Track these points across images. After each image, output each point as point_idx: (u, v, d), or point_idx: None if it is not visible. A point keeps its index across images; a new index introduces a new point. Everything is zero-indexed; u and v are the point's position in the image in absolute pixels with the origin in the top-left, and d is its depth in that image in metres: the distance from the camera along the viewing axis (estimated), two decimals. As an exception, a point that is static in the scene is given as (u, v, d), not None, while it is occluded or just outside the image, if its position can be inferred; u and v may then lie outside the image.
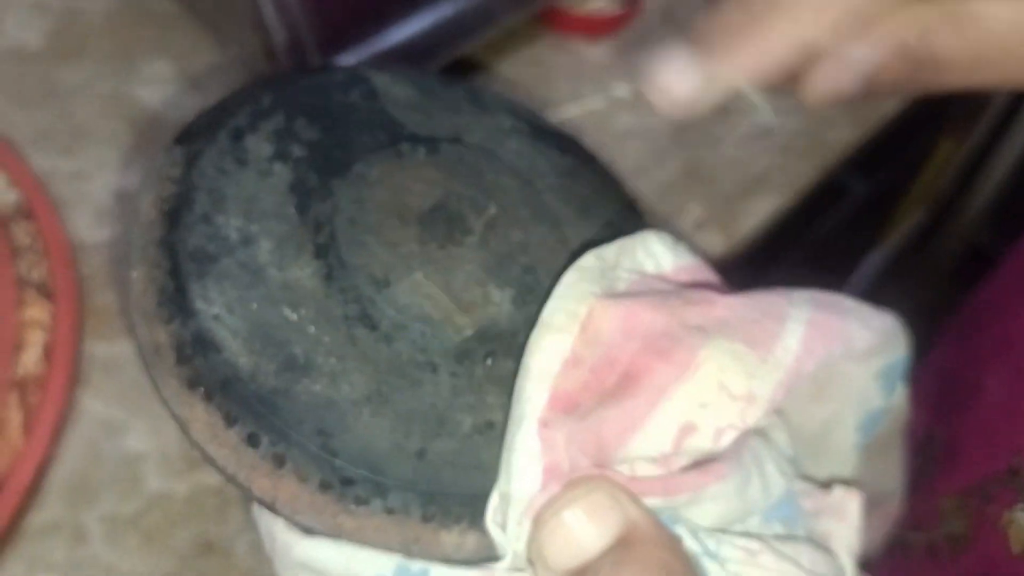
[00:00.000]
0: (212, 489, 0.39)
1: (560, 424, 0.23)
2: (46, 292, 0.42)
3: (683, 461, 0.24)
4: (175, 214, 0.26)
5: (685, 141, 0.54)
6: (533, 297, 0.28)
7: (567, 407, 0.23)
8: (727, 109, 0.55)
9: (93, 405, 0.41)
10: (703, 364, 0.24)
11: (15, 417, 0.38)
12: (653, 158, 0.52)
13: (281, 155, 0.28)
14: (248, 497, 0.24)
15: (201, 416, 0.24)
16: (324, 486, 0.23)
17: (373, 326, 0.25)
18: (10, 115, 0.48)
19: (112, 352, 0.42)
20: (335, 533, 0.24)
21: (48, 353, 0.40)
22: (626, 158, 0.52)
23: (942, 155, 1.21)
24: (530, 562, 0.22)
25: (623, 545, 0.21)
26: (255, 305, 0.25)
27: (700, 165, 0.53)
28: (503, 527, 0.23)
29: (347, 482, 0.23)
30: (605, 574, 0.20)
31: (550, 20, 0.56)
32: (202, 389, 0.24)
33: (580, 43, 0.56)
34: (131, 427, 0.40)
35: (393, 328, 0.26)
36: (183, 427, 0.25)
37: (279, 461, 0.24)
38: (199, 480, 0.39)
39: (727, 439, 0.24)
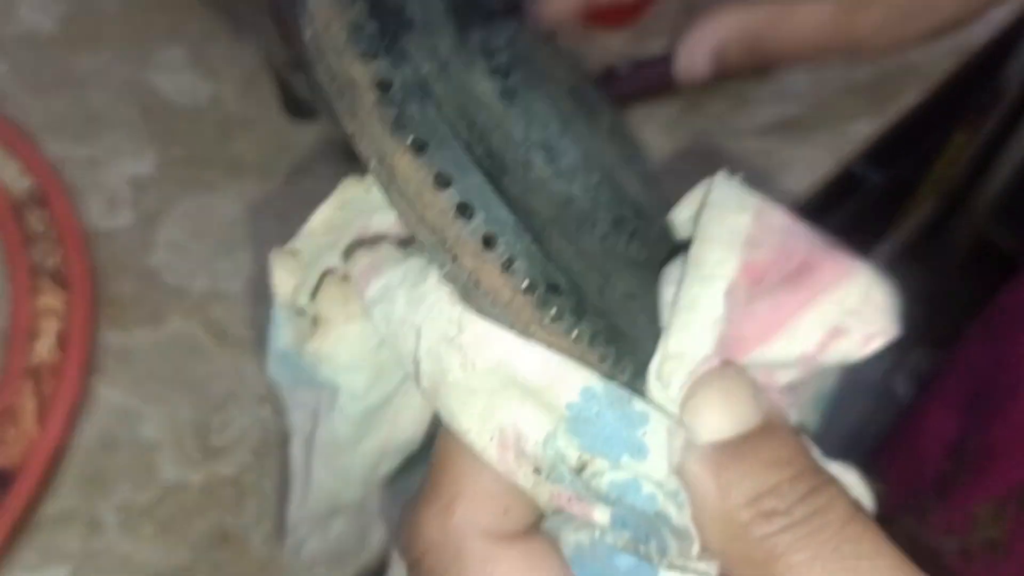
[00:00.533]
0: (227, 479, 0.39)
1: (741, 296, 0.22)
2: (60, 280, 0.41)
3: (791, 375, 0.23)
4: None
5: (704, 131, 0.53)
6: (649, 188, 0.27)
7: (754, 279, 0.22)
8: (747, 100, 0.55)
9: (107, 394, 0.40)
10: (856, 274, 0.23)
11: (29, 405, 0.38)
12: (672, 148, 0.52)
13: None
14: (442, 270, 0.22)
15: (406, 171, 0.21)
16: (530, 287, 0.21)
17: (553, 159, 0.24)
18: (24, 101, 0.47)
19: (126, 340, 0.42)
20: (521, 334, 0.21)
21: (62, 341, 0.40)
22: (644, 148, 0.51)
23: (955, 147, 1.21)
24: (681, 425, 0.21)
25: (768, 429, 0.21)
26: (452, 85, 0.23)
27: (719, 155, 0.52)
28: (667, 386, 0.22)
29: (553, 289, 0.21)
30: (757, 451, 0.20)
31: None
32: (413, 136, 0.21)
33: (600, 31, 0.56)
34: (146, 416, 0.40)
35: (569, 169, 0.24)
36: (386, 176, 0.21)
37: (489, 242, 0.21)
38: (214, 470, 0.39)
39: (874, 346, 0.23)
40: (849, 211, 0.78)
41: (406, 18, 0.23)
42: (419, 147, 0.21)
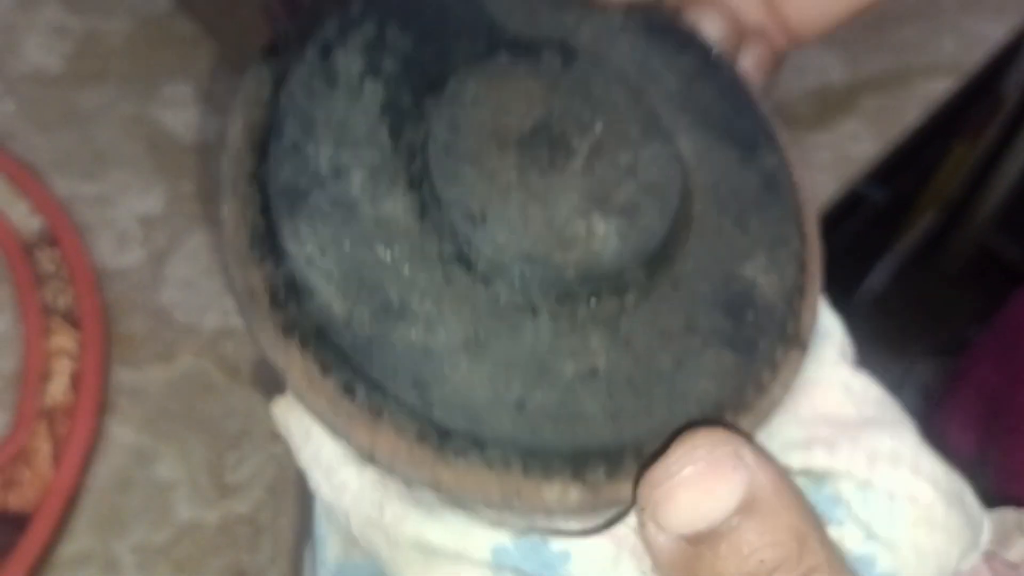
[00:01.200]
0: (243, 518, 0.39)
1: None
2: (72, 320, 0.42)
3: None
4: (264, 144, 0.25)
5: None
6: (640, 229, 0.26)
7: None
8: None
9: (121, 433, 0.40)
10: None
11: (44, 447, 0.38)
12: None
13: (373, 71, 0.26)
14: (347, 447, 0.24)
15: (297, 364, 0.23)
16: (422, 437, 0.22)
17: (469, 266, 0.24)
18: (32, 140, 0.48)
19: (139, 379, 0.42)
20: (434, 486, 0.23)
21: (75, 382, 0.40)
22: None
23: (955, 159, 1.21)
24: (641, 524, 0.21)
25: (748, 508, 0.19)
26: (348, 244, 0.24)
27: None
28: None
29: (445, 434, 0.22)
30: (729, 540, 0.19)
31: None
32: (297, 336, 0.23)
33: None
34: (160, 455, 0.40)
35: (490, 268, 0.24)
36: (280, 375, 0.24)
37: (376, 412, 0.22)
38: (230, 509, 0.39)
39: None
40: (851, 229, 0.78)
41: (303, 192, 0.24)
42: (303, 343, 0.23)
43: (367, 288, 0.23)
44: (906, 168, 0.95)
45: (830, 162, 0.55)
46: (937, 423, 0.54)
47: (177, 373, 0.42)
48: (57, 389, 0.40)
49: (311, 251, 0.23)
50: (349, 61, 0.27)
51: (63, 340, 0.41)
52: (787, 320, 0.27)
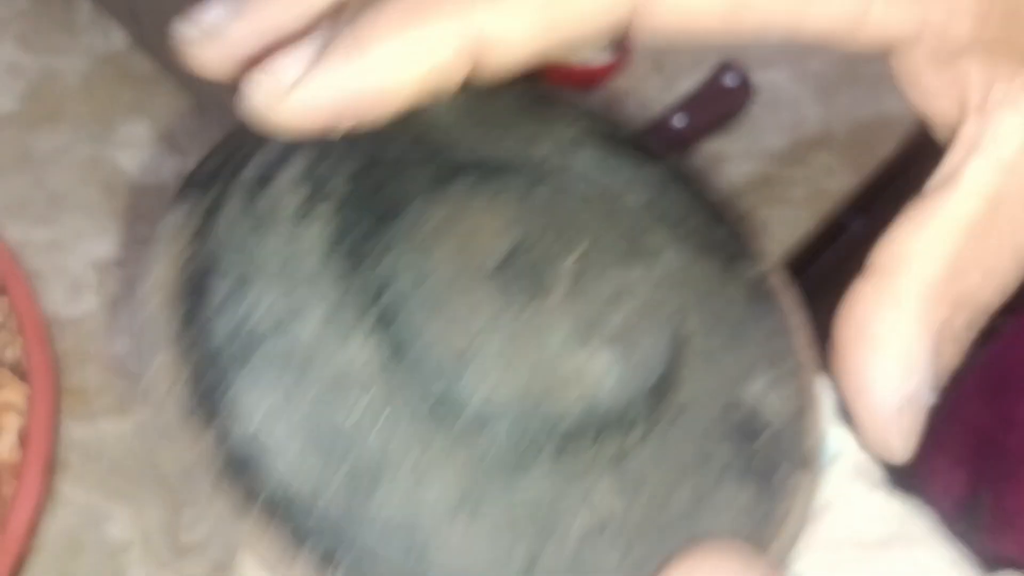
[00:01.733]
0: (199, 581, 0.37)
1: None
2: (20, 373, 0.40)
3: None
4: (194, 293, 0.23)
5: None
6: (639, 357, 0.23)
7: None
8: (722, 157, 0.54)
9: (72, 492, 0.39)
10: None
11: (-11, 509, 0.37)
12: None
13: (315, 201, 0.23)
14: None
15: (261, 539, 0.20)
16: None
17: (455, 416, 0.21)
18: (-17, 184, 0.46)
19: (91, 434, 0.40)
20: None
21: (23, 438, 0.38)
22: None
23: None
24: None
25: None
26: (307, 403, 0.21)
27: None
28: None
29: None
30: None
31: (539, 72, 0.54)
32: (256, 514, 0.20)
33: (570, 95, 0.55)
34: (112, 514, 0.38)
35: (479, 417, 0.21)
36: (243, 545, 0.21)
37: None
38: (185, 570, 0.37)
39: None
40: (831, 259, 0.78)
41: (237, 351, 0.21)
42: (264, 520, 0.20)
43: (336, 453, 0.21)
44: (884, 196, 0.95)
45: (805, 197, 0.54)
46: (926, 461, 0.53)
47: (131, 426, 0.41)
48: (4, 447, 0.38)
49: (263, 417, 0.20)
50: (287, 191, 0.23)
51: (11, 394, 0.39)
52: (796, 444, 0.24)
